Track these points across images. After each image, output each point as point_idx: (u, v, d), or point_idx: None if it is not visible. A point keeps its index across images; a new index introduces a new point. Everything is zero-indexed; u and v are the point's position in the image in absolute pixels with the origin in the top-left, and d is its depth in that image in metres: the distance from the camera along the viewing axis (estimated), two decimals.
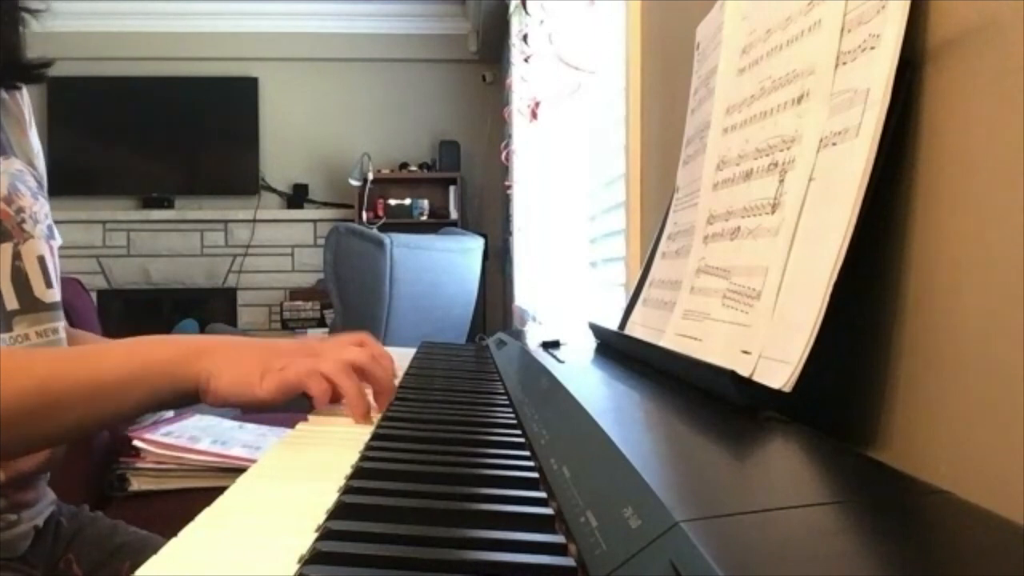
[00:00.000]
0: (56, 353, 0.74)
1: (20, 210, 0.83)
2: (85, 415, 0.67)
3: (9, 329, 0.80)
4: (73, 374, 0.66)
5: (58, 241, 0.93)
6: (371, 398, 0.70)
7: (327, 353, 0.69)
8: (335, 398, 0.68)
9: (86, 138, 5.21)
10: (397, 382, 0.87)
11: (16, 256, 0.82)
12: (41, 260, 0.85)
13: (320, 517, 0.41)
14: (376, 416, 0.68)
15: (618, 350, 0.86)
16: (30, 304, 0.82)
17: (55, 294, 0.87)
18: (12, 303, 0.80)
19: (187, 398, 0.69)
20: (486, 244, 3.75)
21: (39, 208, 0.87)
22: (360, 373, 0.69)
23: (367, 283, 3.00)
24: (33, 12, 0.88)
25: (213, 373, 0.67)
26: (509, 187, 4.00)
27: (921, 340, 0.46)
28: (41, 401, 0.63)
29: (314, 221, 5.46)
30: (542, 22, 2.73)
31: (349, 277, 3.03)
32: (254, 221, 5.41)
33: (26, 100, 0.93)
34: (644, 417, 0.59)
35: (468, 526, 0.41)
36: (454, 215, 5.24)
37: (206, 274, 5.43)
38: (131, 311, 5.37)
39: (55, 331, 0.86)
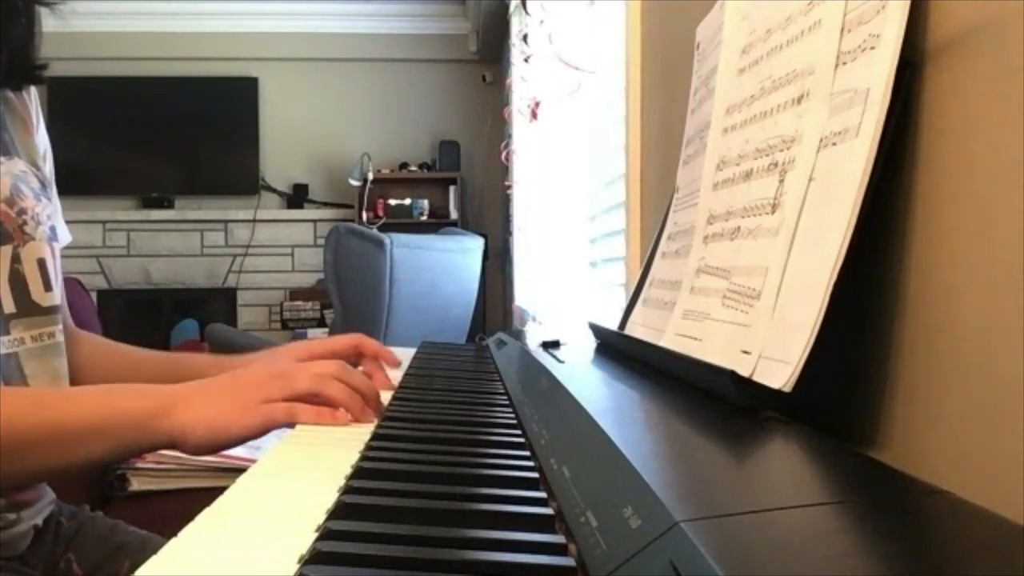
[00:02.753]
0: (23, 395, 0.72)
1: (22, 212, 0.83)
2: (48, 461, 0.66)
3: (6, 333, 0.79)
4: (38, 418, 0.65)
5: (62, 242, 0.93)
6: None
7: (297, 372, 0.69)
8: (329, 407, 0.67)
9: (86, 138, 5.21)
10: (397, 382, 0.87)
11: (15, 259, 0.81)
12: (41, 263, 0.84)
13: (320, 517, 0.41)
14: (373, 418, 0.67)
15: (618, 350, 0.86)
16: (27, 308, 0.82)
17: (54, 298, 0.86)
18: (9, 307, 0.80)
19: (160, 448, 0.69)
20: (486, 244, 3.75)
21: (41, 209, 0.86)
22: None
23: (367, 283, 3.00)
24: (50, 5, 0.87)
25: (187, 426, 0.66)
26: (509, 187, 4.00)
27: (921, 340, 0.46)
28: (2, 444, 0.62)
29: (314, 221, 5.46)
30: (542, 22, 2.73)
31: (349, 277, 3.03)
32: (254, 221, 5.41)
33: (34, 99, 0.93)
34: (644, 417, 0.59)
35: (468, 526, 0.41)
36: (454, 215, 5.24)
37: (206, 274, 5.43)
38: (131, 311, 5.37)
39: (51, 335, 0.85)
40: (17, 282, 0.81)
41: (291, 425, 0.67)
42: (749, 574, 0.27)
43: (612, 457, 0.41)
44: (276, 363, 0.73)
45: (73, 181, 4.94)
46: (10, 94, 0.88)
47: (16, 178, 0.84)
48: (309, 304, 5.18)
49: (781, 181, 0.57)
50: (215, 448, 0.67)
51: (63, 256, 0.92)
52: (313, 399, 0.67)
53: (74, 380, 0.88)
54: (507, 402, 0.74)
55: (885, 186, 0.48)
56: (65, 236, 0.96)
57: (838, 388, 0.52)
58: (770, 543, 0.30)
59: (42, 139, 0.93)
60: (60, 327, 0.87)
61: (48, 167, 0.94)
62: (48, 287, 0.85)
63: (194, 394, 0.68)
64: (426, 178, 5.37)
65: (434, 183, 5.36)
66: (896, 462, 0.41)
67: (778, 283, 0.54)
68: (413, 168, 5.37)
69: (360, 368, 0.95)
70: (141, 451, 0.69)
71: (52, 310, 0.85)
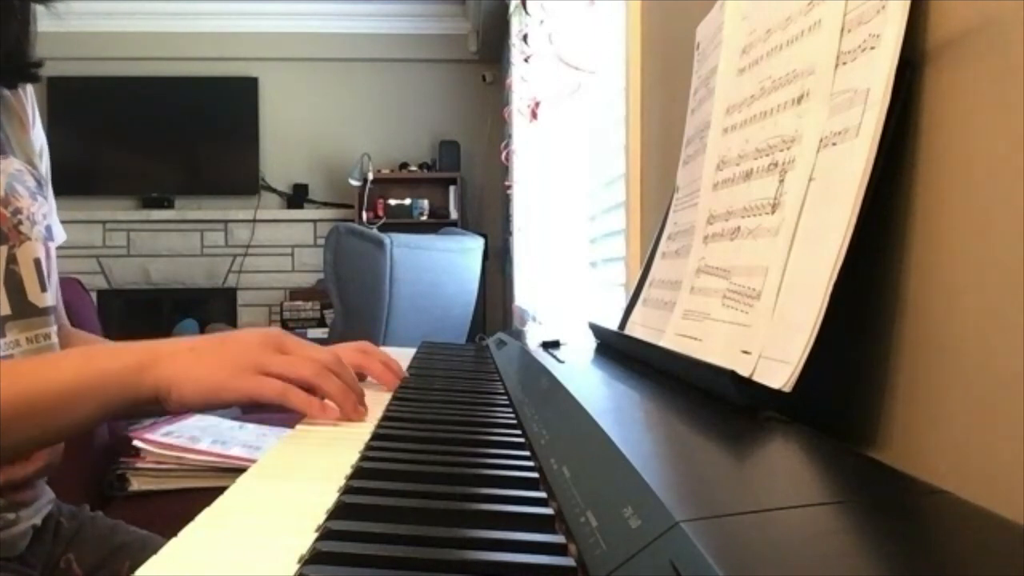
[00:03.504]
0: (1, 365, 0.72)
1: (17, 211, 0.82)
2: (32, 431, 0.65)
3: (2, 335, 0.79)
4: (12, 391, 0.63)
5: (58, 241, 0.93)
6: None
7: (298, 354, 0.67)
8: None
9: (86, 138, 5.21)
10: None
11: (11, 260, 0.81)
12: (37, 263, 0.84)
13: (320, 517, 0.41)
14: (364, 418, 0.66)
15: (618, 350, 0.86)
16: (22, 309, 0.81)
17: (49, 298, 0.85)
18: (4, 308, 0.79)
19: (147, 407, 0.67)
20: (486, 244, 3.75)
21: (37, 208, 0.86)
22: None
23: (367, 283, 3.00)
24: (44, 2, 0.87)
25: (175, 380, 0.65)
26: (509, 187, 4.00)
27: (921, 340, 0.46)
28: None
29: (314, 221, 5.46)
30: (542, 22, 2.73)
31: (349, 277, 3.03)
32: (254, 221, 5.41)
33: (30, 97, 0.93)
34: (644, 417, 0.59)
35: (468, 526, 0.41)
36: (454, 215, 5.24)
37: (206, 274, 5.43)
38: (131, 311, 5.37)
39: (47, 336, 0.84)
40: (13, 283, 0.81)
41: (280, 410, 0.65)
42: (749, 574, 0.27)
43: (612, 457, 0.41)
44: (275, 332, 0.70)
45: (73, 181, 4.95)
46: (6, 92, 0.88)
47: (12, 177, 0.83)
48: (309, 304, 5.18)
49: (781, 181, 0.57)
50: (202, 406, 0.65)
51: (60, 256, 0.92)
52: (308, 388, 0.65)
53: None
54: (507, 402, 0.74)
55: (885, 186, 0.48)
56: (60, 235, 0.96)
57: (838, 388, 0.52)
58: (770, 543, 0.30)
59: (38, 137, 0.93)
60: (55, 328, 0.87)
61: (44, 165, 0.94)
62: (43, 287, 0.84)
63: (180, 351, 0.66)
64: (426, 178, 5.37)
65: (434, 183, 5.36)
66: (896, 462, 0.41)
67: (778, 283, 0.54)
68: (413, 168, 5.37)
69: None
70: (128, 410, 0.67)
71: (47, 311, 0.85)
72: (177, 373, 0.65)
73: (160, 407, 0.67)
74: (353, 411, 0.66)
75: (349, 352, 0.92)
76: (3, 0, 0.83)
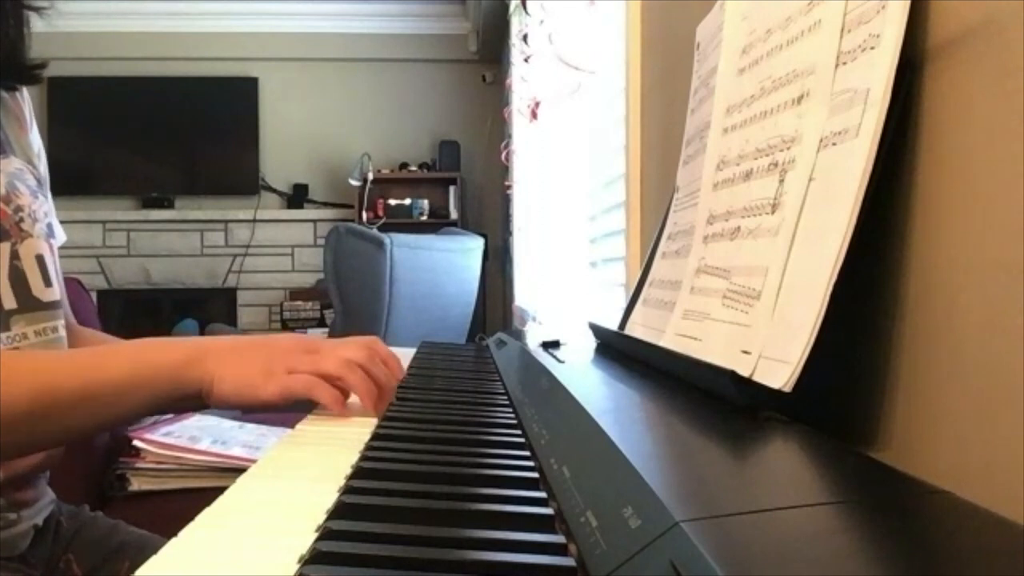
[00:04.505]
0: (58, 356, 0.75)
1: (18, 209, 0.83)
2: (85, 418, 0.67)
3: (7, 328, 0.80)
4: (74, 377, 0.66)
5: (59, 240, 0.93)
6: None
7: (327, 352, 0.70)
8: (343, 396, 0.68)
9: (86, 138, 5.21)
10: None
11: (14, 255, 0.81)
12: (40, 259, 0.85)
13: (320, 517, 0.41)
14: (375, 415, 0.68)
15: (618, 350, 0.86)
16: (28, 303, 0.82)
17: (54, 292, 0.86)
18: (10, 302, 0.80)
19: (189, 401, 0.70)
20: (486, 244, 3.75)
21: (38, 207, 0.86)
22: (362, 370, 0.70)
23: (367, 283, 3.00)
24: (37, 10, 0.88)
25: (216, 376, 0.68)
26: (509, 187, 4.00)
27: (921, 340, 0.46)
28: (41, 404, 0.64)
29: (314, 221, 5.46)
30: (542, 22, 2.73)
31: (349, 277, 3.03)
32: (254, 221, 5.41)
33: (27, 99, 0.93)
34: (644, 417, 0.59)
35: (468, 526, 0.41)
36: (454, 215, 5.24)
37: (206, 274, 5.43)
38: (131, 311, 5.37)
39: (54, 330, 0.85)
40: (17, 278, 0.81)
41: (307, 406, 0.68)
42: (749, 574, 0.27)
43: (612, 457, 0.41)
44: (308, 337, 0.74)
45: (73, 181, 4.95)
46: (4, 94, 0.88)
47: (12, 176, 0.84)
48: (309, 304, 5.18)
49: (781, 181, 0.57)
50: (238, 404, 0.68)
51: (62, 257, 0.92)
52: (336, 382, 0.68)
53: None
54: (507, 402, 0.74)
55: (885, 186, 0.48)
56: (61, 235, 0.96)
57: (838, 388, 0.52)
58: (770, 543, 0.30)
59: (35, 139, 0.94)
60: (62, 321, 0.88)
61: (43, 166, 0.94)
62: (48, 283, 0.85)
63: (225, 350, 0.70)
64: (426, 178, 5.37)
65: (434, 183, 5.36)
66: (896, 462, 0.41)
67: (778, 283, 0.54)
68: (413, 168, 5.37)
69: None
70: (175, 402, 0.70)
71: (53, 305, 0.86)
72: (219, 370, 0.68)
73: (201, 401, 0.69)
74: (375, 407, 0.68)
75: (354, 349, 0.93)
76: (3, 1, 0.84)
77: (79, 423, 0.67)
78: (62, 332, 0.87)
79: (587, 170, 2.47)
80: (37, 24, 0.88)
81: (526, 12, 2.89)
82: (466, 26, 5.37)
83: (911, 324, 0.47)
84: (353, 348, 0.71)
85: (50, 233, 0.89)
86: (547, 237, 3.13)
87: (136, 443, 1.58)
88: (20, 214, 0.83)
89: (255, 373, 0.68)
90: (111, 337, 1.02)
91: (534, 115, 3.05)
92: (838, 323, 0.48)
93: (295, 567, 0.35)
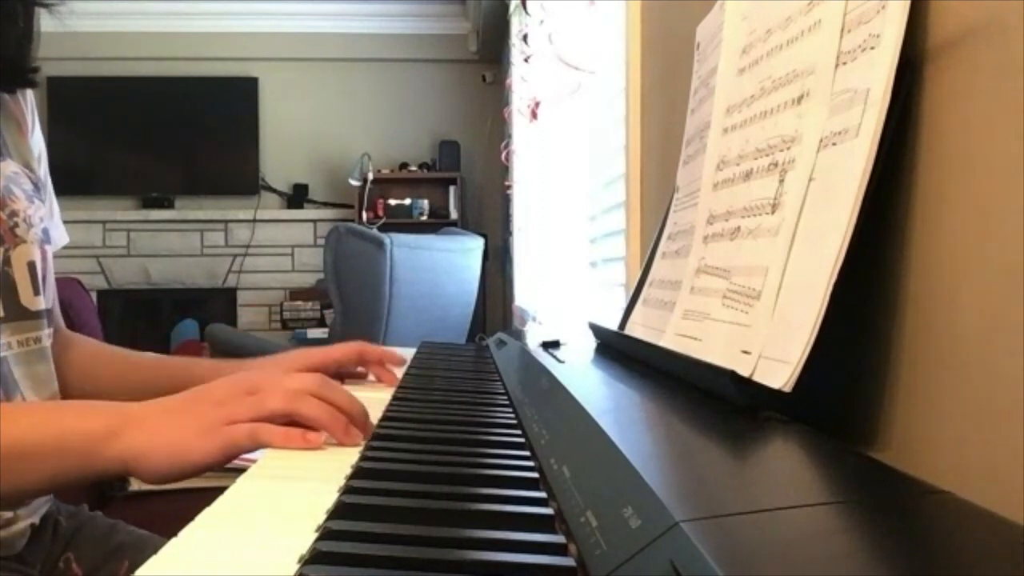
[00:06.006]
0: None
1: (13, 214, 0.82)
2: None
3: None
4: None
5: (59, 243, 0.93)
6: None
7: (270, 388, 0.61)
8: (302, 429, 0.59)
9: (86, 138, 5.21)
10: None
11: (5, 262, 0.80)
12: (31, 266, 0.83)
13: (320, 517, 0.41)
14: (359, 440, 0.60)
15: (618, 350, 0.86)
16: (15, 312, 0.81)
17: (43, 302, 0.85)
18: None
19: (110, 477, 0.62)
20: (486, 244, 3.75)
21: (34, 211, 0.86)
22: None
23: (367, 283, 3.00)
24: (48, 6, 0.87)
25: (141, 450, 0.59)
26: (509, 187, 4.00)
27: (921, 340, 0.46)
28: None
29: (314, 221, 5.46)
30: (542, 22, 2.73)
31: (349, 277, 3.03)
32: (254, 221, 5.41)
33: (29, 101, 0.92)
34: (644, 417, 0.59)
35: (468, 526, 0.41)
36: (454, 215, 5.24)
37: (206, 274, 5.43)
38: (131, 311, 5.37)
39: (38, 340, 0.84)
40: (6, 285, 0.80)
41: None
42: (749, 574, 0.27)
43: (612, 457, 0.41)
44: (247, 377, 0.63)
45: (73, 181, 4.95)
46: (4, 97, 0.88)
47: (8, 180, 0.83)
48: (309, 304, 5.18)
49: (781, 181, 0.57)
50: (174, 476, 0.59)
51: (62, 256, 0.91)
52: (286, 420, 0.59)
53: (65, 386, 0.88)
54: (507, 402, 0.74)
55: (885, 186, 0.48)
56: (62, 238, 0.95)
57: (838, 388, 0.52)
58: (770, 543, 0.30)
59: (37, 143, 0.93)
60: (47, 332, 0.86)
61: (43, 170, 0.94)
62: (37, 291, 0.84)
63: (151, 414, 0.61)
64: (426, 178, 5.37)
65: (434, 183, 5.36)
66: (896, 462, 0.41)
67: (778, 283, 0.54)
68: (413, 168, 5.37)
69: (369, 376, 0.95)
70: (88, 479, 0.61)
71: (40, 314, 0.85)
72: (144, 442, 0.59)
73: (129, 476, 0.61)
74: (344, 434, 0.59)
75: (345, 350, 0.92)
76: (5, 3, 0.83)
77: None
78: (46, 343, 0.85)
79: (587, 170, 2.47)
80: (54, 21, 0.87)
81: (526, 12, 2.89)
82: (466, 26, 5.37)
83: (911, 324, 0.47)
84: (298, 378, 0.62)
85: (45, 238, 0.87)
86: (547, 237, 3.13)
87: None
88: (15, 219, 0.82)
89: (189, 435, 0.58)
90: (105, 345, 1.01)
91: (534, 115, 3.05)
92: (838, 323, 0.48)
93: (295, 567, 0.35)
